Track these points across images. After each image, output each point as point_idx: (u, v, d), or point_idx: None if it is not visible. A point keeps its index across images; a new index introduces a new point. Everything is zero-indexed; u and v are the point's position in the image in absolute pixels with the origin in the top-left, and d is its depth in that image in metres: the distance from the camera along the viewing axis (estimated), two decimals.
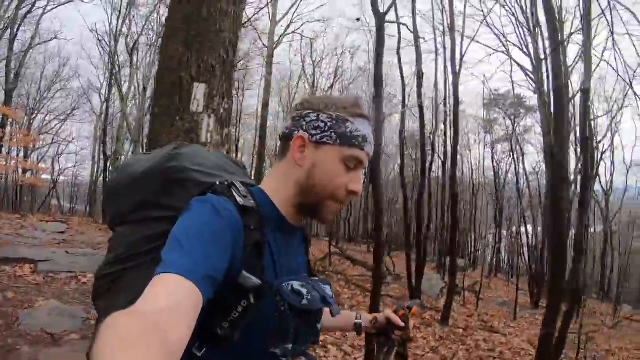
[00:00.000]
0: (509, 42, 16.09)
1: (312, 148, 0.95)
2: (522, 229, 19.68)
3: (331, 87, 20.58)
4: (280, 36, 15.38)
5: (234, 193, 0.90)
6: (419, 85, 10.28)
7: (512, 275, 20.56)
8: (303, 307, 0.90)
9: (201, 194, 0.90)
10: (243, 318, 0.84)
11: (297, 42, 18.51)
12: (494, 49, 16.30)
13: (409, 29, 10.52)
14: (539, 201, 17.46)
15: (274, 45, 15.13)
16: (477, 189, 23.53)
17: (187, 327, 0.65)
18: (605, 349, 8.40)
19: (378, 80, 5.73)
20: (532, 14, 13.37)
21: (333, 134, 0.94)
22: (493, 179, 20.27)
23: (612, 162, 20.61)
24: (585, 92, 6.42)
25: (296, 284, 0.91)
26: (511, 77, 20.02)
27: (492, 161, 18.69)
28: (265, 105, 14.82)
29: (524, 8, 15.07)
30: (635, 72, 9.67)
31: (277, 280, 0.90)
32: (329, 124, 0.94)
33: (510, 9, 15.48)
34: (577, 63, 14.86)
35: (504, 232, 22.62)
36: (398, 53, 11.52)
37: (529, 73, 15.59)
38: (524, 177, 18.73)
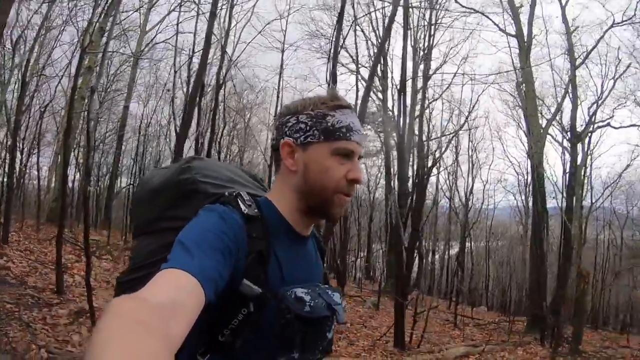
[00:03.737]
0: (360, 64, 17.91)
1: (301, 151, 0.95)
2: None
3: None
4: (148, 44, 15.97)
5: (239, 202, 0.92)
6: None
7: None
8: (306, 315, 0.89)
9: (209, 204, 0.93)
10: (244, 326, 0.85)
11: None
12: (350, 70, 18.09)
13: None
14: None
15: (140, 54, 15.72)
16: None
17: (187, 323, 0.65)
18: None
19: None
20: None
21: (315, 131, 0.94)
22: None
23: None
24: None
25: (299, 291, 0.91)
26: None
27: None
28: (126, 108, 15.32)
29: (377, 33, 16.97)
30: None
31: (282, 288, 0.90)
32: (309, 123, 0.95)
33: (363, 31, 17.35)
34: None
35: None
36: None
37: (378, 93, 17.48)
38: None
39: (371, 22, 16.83)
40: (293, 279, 0.93)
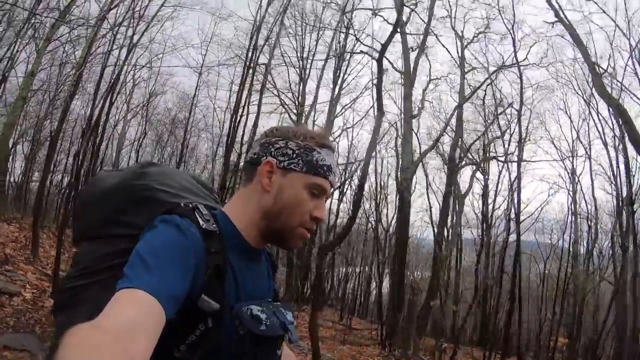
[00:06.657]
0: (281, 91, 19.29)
1: (280, 174, 0.96)
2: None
3: None
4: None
5: (197, 216, 0.91)
6: None
7: None
8: (261, 333, 0.90)
9: (165, 214, 0.91)
10: (200, 342, 0.85)
11: None
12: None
13: None
14: None
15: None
16: None
17: (148, 345, 0.65)
18: None
19: None
20: None
21: (300, 161, 0.96)
22: None
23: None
24: None
25: (255, 309, 0.91)
26: None
27: None
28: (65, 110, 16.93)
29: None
30: None
31: (237, 304, 0.90)
32: (296, 152, 0.96)
33: None
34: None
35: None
36: None
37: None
38: None
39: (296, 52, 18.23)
40: (247, 295, 0.94)
